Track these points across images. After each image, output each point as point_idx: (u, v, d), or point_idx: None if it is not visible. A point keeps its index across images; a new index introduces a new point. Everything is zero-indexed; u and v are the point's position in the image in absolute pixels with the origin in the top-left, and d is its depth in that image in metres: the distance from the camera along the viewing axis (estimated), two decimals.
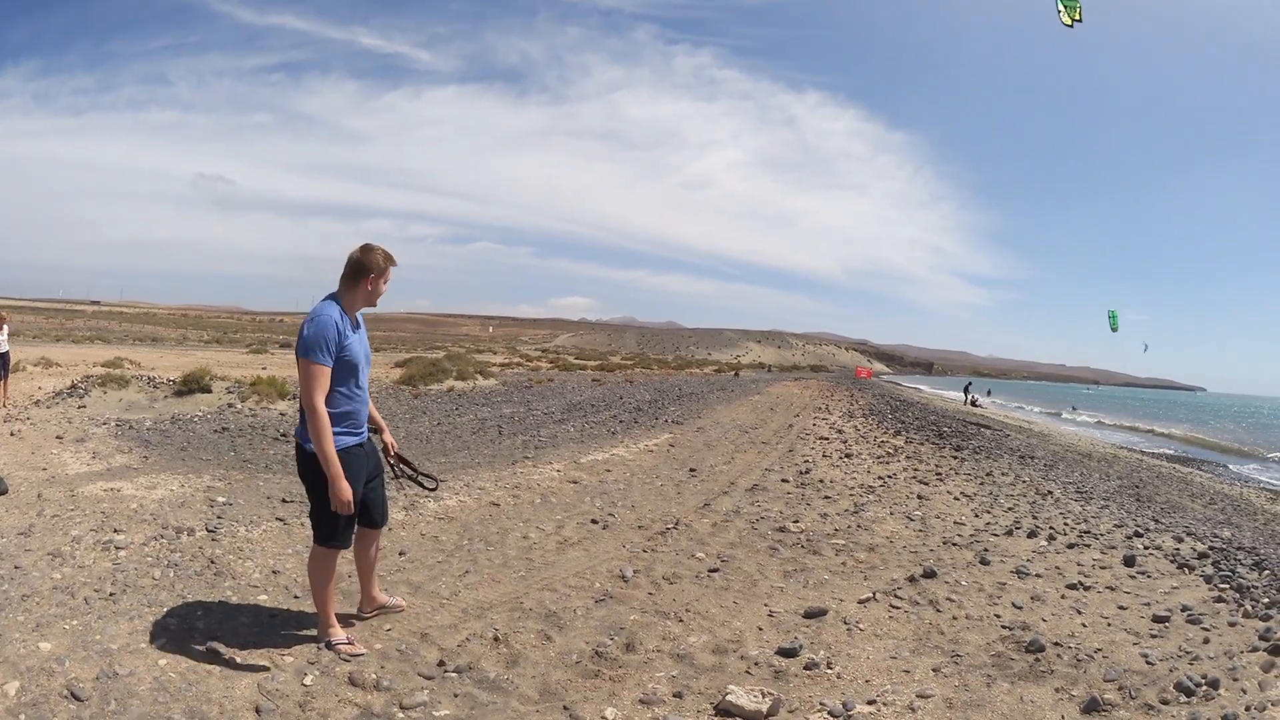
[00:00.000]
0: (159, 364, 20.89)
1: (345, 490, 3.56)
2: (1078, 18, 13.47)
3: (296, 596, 4.41)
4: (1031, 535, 6.81)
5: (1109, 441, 27.69)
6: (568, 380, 28.63)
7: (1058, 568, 5.79)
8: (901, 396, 39.08)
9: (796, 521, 7.01)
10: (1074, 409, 58.94)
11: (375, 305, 3.81)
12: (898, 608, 4.81)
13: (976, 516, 7.70)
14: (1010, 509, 8.21)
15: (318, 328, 3.54)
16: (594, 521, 6.69)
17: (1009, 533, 6.90)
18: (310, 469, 3.65)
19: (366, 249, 3.74)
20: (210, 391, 13.20)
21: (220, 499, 6.50)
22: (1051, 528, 7.13)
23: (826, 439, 13.72)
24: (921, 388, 76.26)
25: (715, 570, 5.44)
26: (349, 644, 3.79)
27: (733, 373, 59.45)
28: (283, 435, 10.31)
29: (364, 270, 3.72)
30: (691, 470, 9.58)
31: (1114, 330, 23.51)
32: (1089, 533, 7.03)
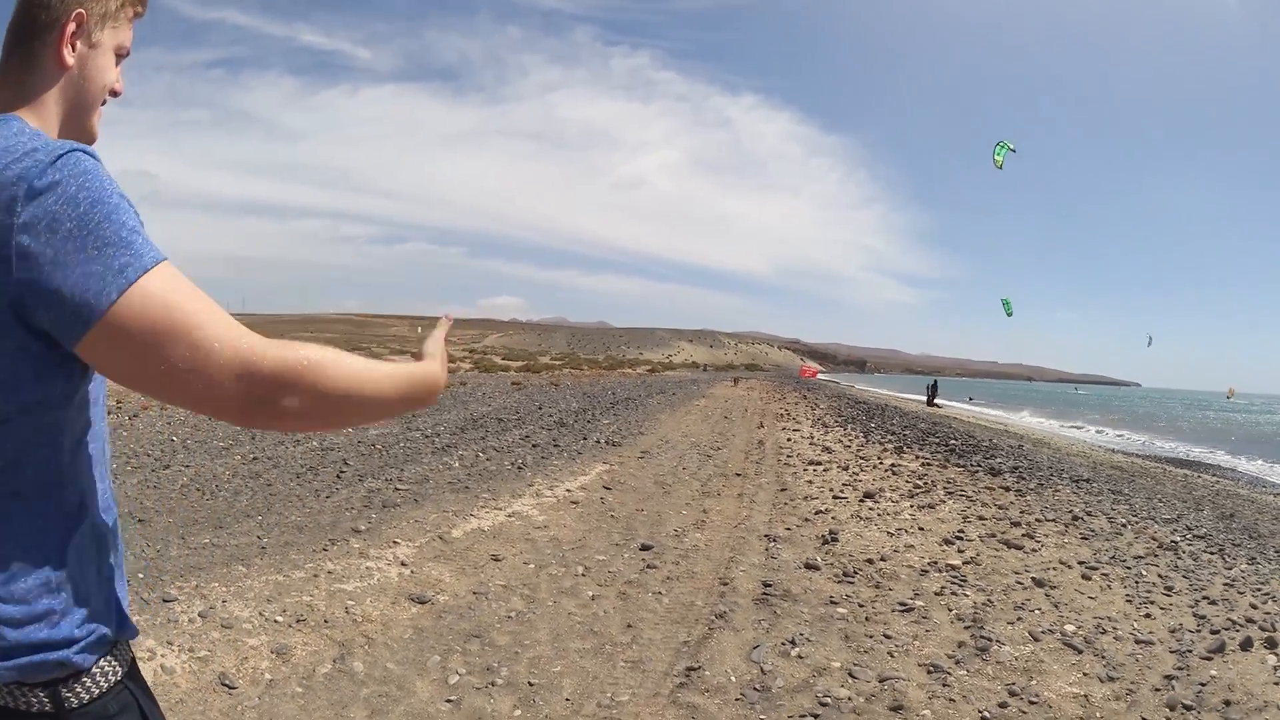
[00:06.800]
0: None
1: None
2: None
3: None
4: (1245, 647, 4.01)
5: (1096, 445, 25.10)
6: (483, 384, 24.45)
7: None
8: (860, 399, 35.86)
9: (899, 709, 3.13)
10: (970, 399, 59.54)
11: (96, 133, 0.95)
12: None
13: (1148, 616, 4.52)
14: (1167, 588, 5.08)
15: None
16: None
17: (1219, 649, 3.95)
18: None
19: None
20: None
21: None
22: (1247, 619, 4.51)
23: (819, 463, 9.97)
24: (868, 387, 74.07)
25: None
26: None
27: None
28: None
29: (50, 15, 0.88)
30: (644, 548, 5.46)
31: (1009, 315, 26.65)
32: None
